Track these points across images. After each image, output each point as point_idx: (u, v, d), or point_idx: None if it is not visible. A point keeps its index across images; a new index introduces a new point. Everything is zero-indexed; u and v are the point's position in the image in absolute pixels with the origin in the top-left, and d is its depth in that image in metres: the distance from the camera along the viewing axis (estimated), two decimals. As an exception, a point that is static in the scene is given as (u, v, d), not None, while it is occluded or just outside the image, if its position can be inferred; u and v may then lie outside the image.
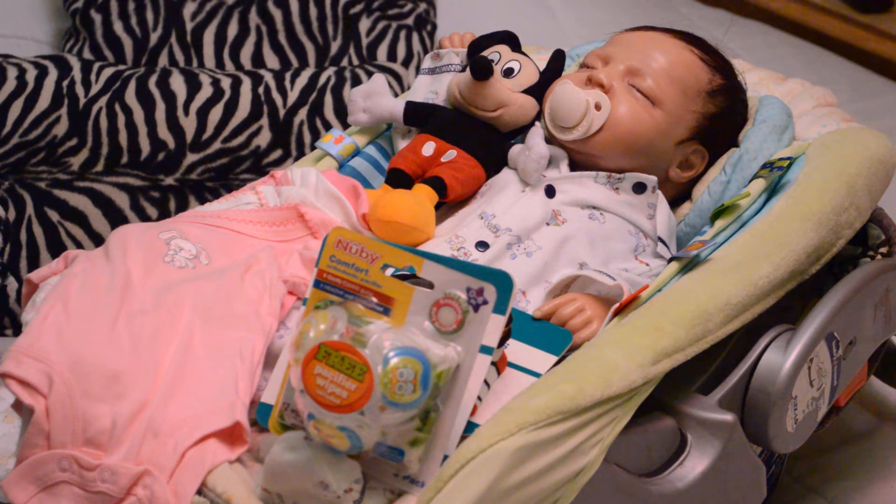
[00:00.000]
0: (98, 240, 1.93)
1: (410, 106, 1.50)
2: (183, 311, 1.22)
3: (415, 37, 2.26)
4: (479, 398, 1.13)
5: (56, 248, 1.92)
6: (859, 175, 1.39)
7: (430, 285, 1.10)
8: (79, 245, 1.93)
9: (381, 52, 2.23)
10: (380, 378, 1.03)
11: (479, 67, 1.42)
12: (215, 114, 1.98)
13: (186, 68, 2.05)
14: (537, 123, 1.46)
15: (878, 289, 1.40)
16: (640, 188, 1.41)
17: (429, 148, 1.45)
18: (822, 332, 1.31)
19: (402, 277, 1.11)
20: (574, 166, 1.45)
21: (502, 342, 1.14)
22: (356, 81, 2.04)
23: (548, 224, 1.38)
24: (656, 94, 1.43)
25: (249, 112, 2.00)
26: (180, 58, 2.18)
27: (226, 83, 2.01)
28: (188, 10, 2.20)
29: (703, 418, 1.25)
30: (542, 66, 1.48)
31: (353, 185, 1.41)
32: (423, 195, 1.40)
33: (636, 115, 1.42)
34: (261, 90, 2.01)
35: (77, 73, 1.98)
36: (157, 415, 1.15)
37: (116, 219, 1.94)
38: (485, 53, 1.47)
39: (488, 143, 1.45)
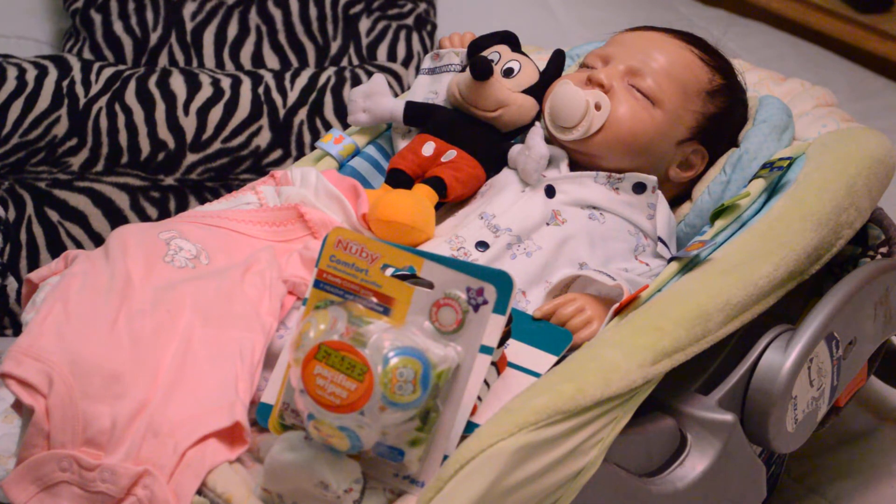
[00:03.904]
0: (98, 240, 1.93)
1: (410, 106, 1.49)
2: (183, 311, 1.22)
3: (415, 37, 2.26)
4: (479, 398, 1.13)
5: (56, 248, 1.92)
6: (859, 175, 1.39)
7: (430, 285, 1.10)
8: (79, 245, 1.93)
9: (381, 52, 2.23)
10: (380, 378, 1.03)
11: (479, 67, 1.42)
12: (215, 114, 1.98)
13: (186, 68, 2.05)
14: (537, 123, 1.46)
15: (878, 289, 1.39)
16: (639, 188, 1.41)
17: (429, 148, 1.45)
18: (822, 332, 1.31)
19: (402, 277, 1.11)
20: (574, 166, 1.45)
21: (502, 342, 1.14)
22: (356, 81, 2.04)
23: (548, 224, 1.38)
24: (656, 94, 1.43)
25: (249, 112, 1.99)
26: (180, 58, 2.18)
27: (226, 83, 2.00)
28: (188, 10, 2.20)
29: (703, 418, 1.25)
30: (542, 66, 1.48)
31: (353, 185, 1.41)
32: (423, 195, 1.40)
33: (636, 115, 1.42)
34: (261, 90, 2.01)
35: (77, 73, 1.98)
36: (157, 415, 1.15)
37: (116, 219, 1.94)
38: (485, 53, 1.47)
39: (488, 143, 1.45)
